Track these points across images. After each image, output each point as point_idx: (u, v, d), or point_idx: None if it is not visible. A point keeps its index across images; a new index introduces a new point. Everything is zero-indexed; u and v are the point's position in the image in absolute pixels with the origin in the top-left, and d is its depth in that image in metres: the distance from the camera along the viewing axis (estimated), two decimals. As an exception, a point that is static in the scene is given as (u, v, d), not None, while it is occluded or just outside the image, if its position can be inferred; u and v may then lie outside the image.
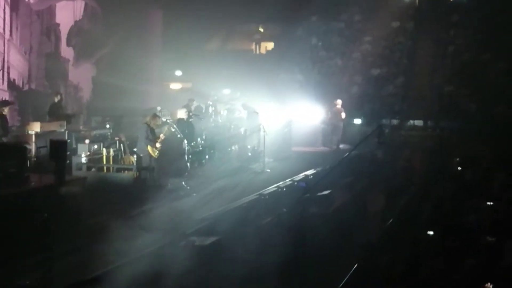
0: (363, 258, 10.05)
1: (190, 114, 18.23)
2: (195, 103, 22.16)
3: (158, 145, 15.22)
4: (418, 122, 26.52)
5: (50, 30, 23.75)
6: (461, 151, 18.82)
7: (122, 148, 16.65)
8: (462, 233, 10.21)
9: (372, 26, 30.60)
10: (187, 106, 19.49)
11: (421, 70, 29.02)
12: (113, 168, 15.82)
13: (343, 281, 9.31)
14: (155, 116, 15.78)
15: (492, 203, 11.47)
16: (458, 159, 17.32)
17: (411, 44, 30.05)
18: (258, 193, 14.68)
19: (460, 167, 16.08)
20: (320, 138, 24.19)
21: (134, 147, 16.16)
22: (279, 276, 9.49)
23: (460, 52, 28.47)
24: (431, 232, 10.82)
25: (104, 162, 16.04)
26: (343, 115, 24.30)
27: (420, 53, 29.87)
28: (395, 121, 26.48)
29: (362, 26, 31.14)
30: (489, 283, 8.25)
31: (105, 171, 15.72)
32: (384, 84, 28.21)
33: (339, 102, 24.39)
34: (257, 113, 21.31)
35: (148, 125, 15.32)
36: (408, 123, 26.50)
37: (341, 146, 23.86)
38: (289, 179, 16.52)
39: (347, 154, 14.94)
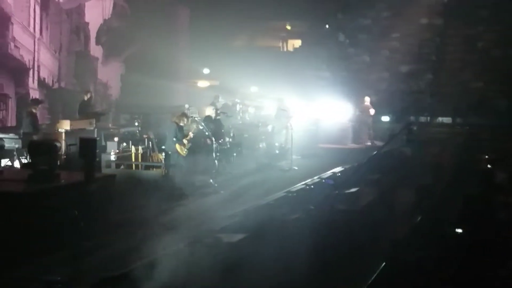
0: (391, 256, 9.99)
1: (218, 111, 18.27)
2: (221, 100, 22.24)
3: (186, 142, 15.28)
4: (447, 119, 26.32)
5: (80, 28, 23.98)
6: (491, 148, 18.61)
7: (150, 145, 16.77)
8: (492, 230, 10.12)
9: (400, 22, 30.44)
10: (213, 103, 19.54)
11: (449, 67, 28.78)
12: (141, 165, 15.93)
13: (371, 279, 9.27)
14: (183, 114, 15.84)
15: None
16: (487, 156, 17.15)
17: (439, 41, 29.81)
18: (285, 190, 14.66)
19: (490, 164, 15.91)
20: (348, 135, 24.05)
21: (162, 145, 16.25)
22: (306, 273, 9.46)
23: (489, 48, 28.18)
24: (460, 230, 10.74)
25: (133, 160, 16.16)
26: (372, 111, 24.22)
27: (449, 50, 29.64)
28: (423, 118, 26.30)
29: (389, 23, 30.97)
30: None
31: (133, 168, 15.84)
32: (412, 81, 28.03)
33: (367, 99, 24.35)
34: (285, 110, 21.30)
35: (177, 124, 15.38)
36: (437, 120, 26.31)
37: (368, 143, 23.78)
38: (316, 177, 16.48)
39: (375, 152, 14.85)
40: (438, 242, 10.63)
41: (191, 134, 15.52)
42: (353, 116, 24.49)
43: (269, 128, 21.16)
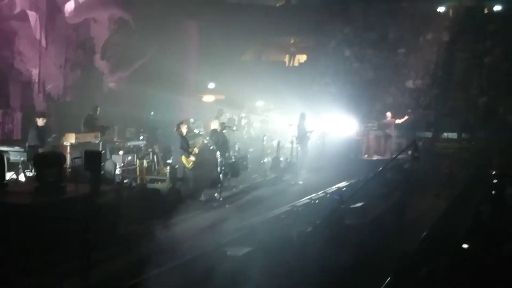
0: (398, 270, 9.91)
1: (224, 125, 18.27)
2: (227, 115, 22.23)
3: (192, 157, 15.28)
4: (452, 135, 26.26)
5: (85, 43, 24.05)
6: (498, 163, 18.53)
7: (155, 159, 16.75)
8: (500, 245, 10.03)
9: (406, 37, 30.46)
10: (217, 117, 19.55)
11: (456, 82, 28.73)
12: (147, 179, 15.89)
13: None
14: (180, 124, 15.78)
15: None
16: (494, 171, 17.07)
17: (446, 55, 29.78)
18: (291, 204, 14.58)
19: (497, 179, 15.82)
20: (353, 149, 23.94)
21: (168, 159, 16.24)
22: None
23: (496, 63, 28.15)
24: (467, 245, 10.65)
25: (138, 173, 16.13)
26: (394, 125, 24.31)
27: (456, 64, 29.59)
28: (430, 133, 26.24)
29: (396, 38, 30.96)
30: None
31: (138, 181, 15.80)
32: (418, 96, 28.01)
33: (388, 114, 24.38)
34: (291, 124, 21.31)
35: (181, 136, 15.38)
36: (444, 135, 26.26)
37: (375, 158, 23.73)
38: (322, 191, 16.39)
39: (380, 168, 14.80)
40: (446, 256, 10.55)
41: (196, 150, 15.51)
42: (362, 130, 24.40)
43: (275, 142, 21.13)
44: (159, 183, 15.67)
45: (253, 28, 30.79)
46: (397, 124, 24.50)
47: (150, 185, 15.49)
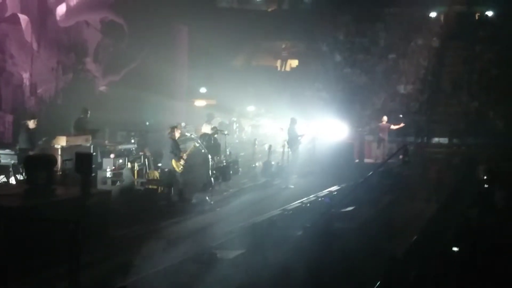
0: (388, 274, 9.95)
1: (216, 129, 18.30)
2: (218, 119, 22.26)
3: (182, 161, 15.29)
4: (443, 140, 26.37)
5: (77, 46, 24.00)
6: (488, 168, 18.61)
7: (146, 162, 16.75)
8: (488, 249, 10.10)
9: (397, 43, 30.60)
10: (208, 122, 19.58)
11: (447, 87, 28.86)
12: (137, 182, 15.87)
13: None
14: (174, 128, 15.82)
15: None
16: (484, 176, 17.14)
17: (436, 61, 29.92)
18: (281, 208, 14.62)
19: (487, 184, 15.90)
20: (344, 153, 23.98)
21: (159, 162, 16.25)
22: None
23: (487, 68, 28.31)
24: (456, 248, 10.72)
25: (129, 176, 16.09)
26: (388, 130, 24.42)
27: (446, 70, 29.74)
28: (420, 139, 26.35)
29: (387, 43, 31.09)
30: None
31: (129, 185, 15.76)
32: (409, 101, 28.11)
33: (384, 118, 24.55)
34: (282, 129, 21.37)
35: (173, 139, 15.40)
36: (434, 140, 26.38)
37: (365, 160, 23.83)
38: (313, 195, 16.44)
39: (371, 172, 14.86)
40: (435, 260, 10.60)
41: (185, 155, 15.51)
42: (353, 134, 24.48)
43: (266, 146, 21.18)
44: (150, 186, 15.67)
45: (245, 32, 30.91)
46: (391, 129, 24.63)
47: (140, 189, 15.49)
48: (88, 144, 16.29)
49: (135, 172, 16.21)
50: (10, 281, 8.80)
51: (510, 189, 14.14)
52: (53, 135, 16.07)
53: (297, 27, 31.71)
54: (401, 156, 13.45)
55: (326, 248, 11.12)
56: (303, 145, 21.71)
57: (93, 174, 13.07)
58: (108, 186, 14.91)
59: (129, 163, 16.25)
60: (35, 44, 21.36)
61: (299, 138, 20.58)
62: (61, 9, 22.60)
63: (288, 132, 20.66)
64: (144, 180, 16.02)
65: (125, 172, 15.03)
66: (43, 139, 16.43)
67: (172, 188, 15.27)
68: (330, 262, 10.58)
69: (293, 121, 20.72)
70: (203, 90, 29.93)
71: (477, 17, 31.60)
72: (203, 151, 16.41)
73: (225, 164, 18.24)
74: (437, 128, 26.80)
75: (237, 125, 24.37)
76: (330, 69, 30.87)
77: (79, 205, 10.49)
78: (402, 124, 25.07)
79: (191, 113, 27.21)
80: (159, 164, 16.23)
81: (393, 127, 24.65)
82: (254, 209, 14.87)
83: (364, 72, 30.21)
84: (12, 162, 15.18)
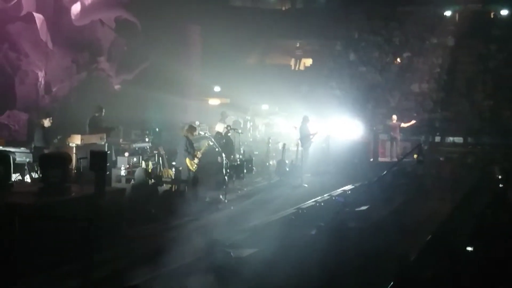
0: (401, 274, 9.90)
1: (229, 128, 18.30)
2: (232, 118, 22.24)
3: (196, 160, 15.31)
4: (458, 139, 26.23)
5: (91, 45, 24.10)
6: (503, 167, 18.49)
7: (161, 161, 16.76)
8: (503, 249, 10.03)
9: (411, 41, 30.48)
10: (221, 120, 19.59)
11: (461, 86, 28.69)
12: (151, 180, 15.88)
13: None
14: (191, 127, 15.88)
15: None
16: (499, 175, 17.05)
17: (451, 60, 29.76)
18: (295, 207, 14.61)
19: (502, 183, 15.81)
20: (359, 152, 23.91)
21: (173, 160, 16.27)
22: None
23: (501, 67, 28.12)
24: (470, 248, 10.65)
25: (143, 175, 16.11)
26: (399, 128, 24.34)
27: (460, 69, 29.59)
28: (434, 138, 26.23)
29: (401, 42, 30.98)
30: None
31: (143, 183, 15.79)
32: (423, 100, 27.97)
33: (394, 117, 24.44)
34: (295, 127, 21.34)
35: (187, 138, 15.42)
36: (448, 140, 26.24)
37: (380, 159, 23.78)
38: (326, 194, 16.42)
39: (385, 172, 14.80)
40: (449, 260, 10.54)
41: (199, 154, 15.52)
42: (368, 132, 24.39)
43: (280, 145, 21.15)
44: (164, 185, 15.68)
45: (258, 31, 30.94)
46: (402, 127, 24.53)
47: (154, 187, 15.50)
48: (103, 143, 16.33)
49: (149, 170, 16.24)
50: (23, 278, 8.86)
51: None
52: (67, 134, 16.14)
53: (311, 26, 31.71)
54: (415, 155, 13.39)
55: (340, 247, 11.10)
56: (317, 144, 21.66)
57: (107, 173, 13.09)
58: (122, 184, 14.94)
59: (143, 162, 16.28)
60: (50, 43, 21.47)
61: (311, 136, 20.52)
62: (75, 8, 22.71)
63: (300, 130, 20.64)
64: (158, 178, 16.05)
65: (139, 170, 15.04)
66: (58, 137, 16.49)
67: (186, 187, 15.29)
68: (343, 262, 10.55)
69: (305, 119, 20.67)
70: (217, 88, 29.92)
71: (492, 16, 31.46)
72: (217, 149, 16.40)
73: (239, 162, 18.23)
74: (451, 127, 26.62)
75: (251, 123, 24.33)
76: (344, 68, 30.79)
77: (93, 203, 10.52)
78: (413, 121, 24.96)
79: (204, 112, 27.23)
80: (173, 163, 16.25)
81: (403, 125, 24.55)
82: (267, 208, 14.88)
83: (378, 70, 30.09)
84: (27, 160, 15.28)
